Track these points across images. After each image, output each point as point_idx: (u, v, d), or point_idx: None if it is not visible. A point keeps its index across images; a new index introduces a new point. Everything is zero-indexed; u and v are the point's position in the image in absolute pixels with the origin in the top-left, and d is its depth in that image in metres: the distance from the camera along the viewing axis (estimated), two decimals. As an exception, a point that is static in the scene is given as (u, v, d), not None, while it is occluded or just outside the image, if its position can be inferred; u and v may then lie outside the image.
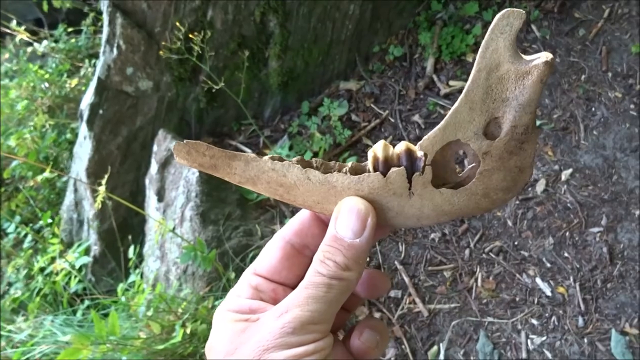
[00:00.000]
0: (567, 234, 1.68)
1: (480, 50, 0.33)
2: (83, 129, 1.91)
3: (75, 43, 2.86)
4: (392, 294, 1.67)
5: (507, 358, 1.52)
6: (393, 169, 0.35)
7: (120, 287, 1.52)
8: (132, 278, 1.50)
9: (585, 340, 1.51)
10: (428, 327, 1.60)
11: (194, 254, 1.42)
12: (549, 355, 1.51)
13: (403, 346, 1.57)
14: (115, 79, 1.80)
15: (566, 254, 1.65)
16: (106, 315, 1.37)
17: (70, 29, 2.87)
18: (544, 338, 1.54)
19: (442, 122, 0.35)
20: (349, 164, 0.38)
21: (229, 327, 0.36)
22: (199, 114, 2.01)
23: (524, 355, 1.52)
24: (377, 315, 1.62)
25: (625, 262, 1.60)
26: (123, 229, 1.87)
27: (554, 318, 1.56)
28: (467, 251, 1.71)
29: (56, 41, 2.88)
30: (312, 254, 0.40)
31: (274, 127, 2.09)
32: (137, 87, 1.84)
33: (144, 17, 1.76)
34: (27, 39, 2.92)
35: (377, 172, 0.36)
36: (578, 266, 1.62)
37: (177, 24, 1.68)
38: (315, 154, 1.87)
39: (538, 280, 1.62)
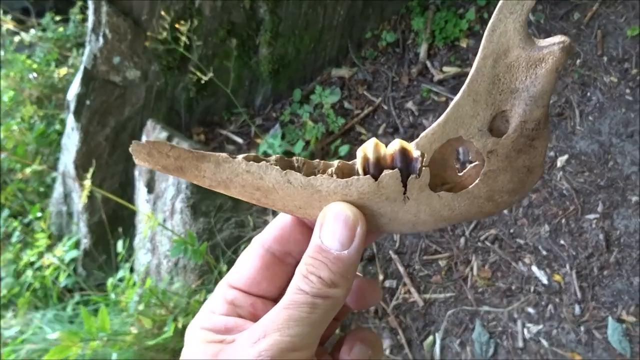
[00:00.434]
0: (563, 221, 1.66)
1: (485, 33, 0.29)
2: (70, 120, 1.87)
3: (63, 32, 2.81)
4: (387, 284, 1.65)
5: (503, 347, 1.51)
6: (386, 172, 0.31)
7: (110, 281, 1.49)
8: (120, 273, 1.47)
9: (582, 328, 1.50)
10: (423, 317, 1.58)
11: (185, 248, 1.39)
12: (545, 343, 1.50)
13: (398, 336, 1.55)
14: (101, 68, 1.76)
15: (562, 242, 1.63)
16: (97, 310, 1.34)
17: (58, 18, 2.81)
18: (541, 326, 1.52)
19: (442, 117, 0.31)
20: (336, 163, 0.34)
21: (201, 348, 0.32)
22: (189, 103, 1.97)
23: (520, 344, 1.50)
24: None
25: (622, 249, 1.58)
26: (113, 221, 1.84)
27: (550, 306, 1.55)
28: (462, 240, 1.69)
29: (44, 30, 2.83)
30: (295, 262, 0.36)
31: (265, 116, 2.05)
32: (125, 77, 1.80)
33: (130, 4, 1.71)
34: (13, 28, 2.87)
35: (368, 176, 0.32)
36: (574, 254, 1.61)
37: (163, 12, 1.64)
38: (308, 143, 1.83)
39: (534, 268, 1.61)
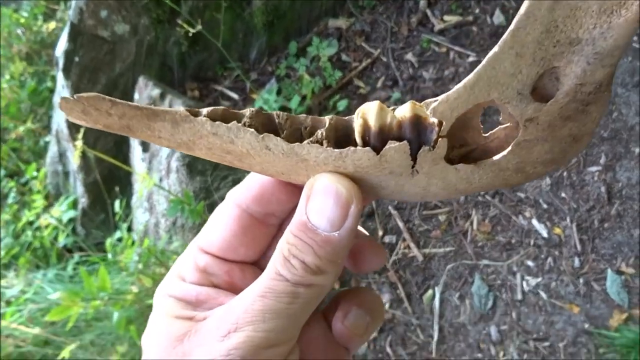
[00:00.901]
0: (565, 173, 1.64)
1: None
2: (60, 78, 1.82)
3: (50, -17, 2.70)
4: (387, 239, 1.65)
5: (502, 300, 1.52)
6: (391, 144, 0.25)
7: (109, 241, 1.49)
8: (118, 234, 1.46)
9: (581, 280, 1.51)
10: (423, 272, 1.59)
11: (182, 207, 1.38)
12: (544, 296, 1.50)
13: (398, 291, 1.56)
14: (89, 22, 1.69)
15: (563, 195, 1.61)
16: (97, 270, 1.34)
17: (42, -31, 2.70)
18: (540, 279, 1.53)
19: (471, 77, 0.24)
20: (327, 120, 0.27)
21: (167, 326, 0.28)
22: (181, 58, 1.91)
23: (519, 296, 1.51)
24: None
25: (624, 201, 1.57)
26: (109, 181, 1.82)
27: (549, 259, 1.55)
28: (462, 194, 1.68)
29: (29, -18, 2.73)
30: (279, 222, 0.31)
31: (260, 70, 2.00)
32: (113, 31, 1.74)
33: (116, -47, 1.63)
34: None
35: (368, 148, 0.25)
36: (575, 206, 1.59)
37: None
38: (304, 98, 1.79)
39: (534, 221, 1.60)
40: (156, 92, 1.66)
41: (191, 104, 1.64)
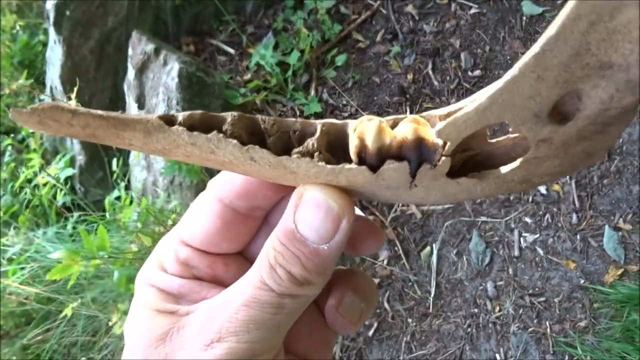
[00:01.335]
0: (566, 129, 1.62)
1: None
2: (52, 33, 1.77)
3: None
4: (385, 196, 1.65)
5: (499, 256, 1.53)
6: (389, 164, 0.23)
7: (108, 200, 1.49)
8: (116, 193, 1.46)
9: (578, 236, 1.51)
10: (421, 229, 1.59)
11: (179, 166, 1.37)
12: (541, 251, 1.52)
13: (396, 248, 1.57)
14: (78, -26, 1.63)
15: (563, 151, 1.60)
16: (97, 229, 1.35)
17: None
18: (537, 235, 1.54)
19: (483, 100, 0.21)
20: (318, 127, 0.25)
21: (149, 320, 0.27)
22: (175, 11, 1.85)
23: (516, 253, 1.53)
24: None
25: (624, 157, 1.56)
26: (106, 138, 1.80)
27: (547, 216, 1.55)
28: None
29: None
30: (265, 213, 0.30)
31: (257, 23, 1.94)
32: (104, -16, 1.68)
33: None
34: None
35: (364, 167, 0.24)
36: (575, 163, 1.58)
37: None
38: (302, 53, 1.75)
39: (533, 178, 1.59)
40: (150, 47, 1.62)
41: (186, 59, 1.60)
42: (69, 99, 1.40)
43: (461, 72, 1.75)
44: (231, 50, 1.87)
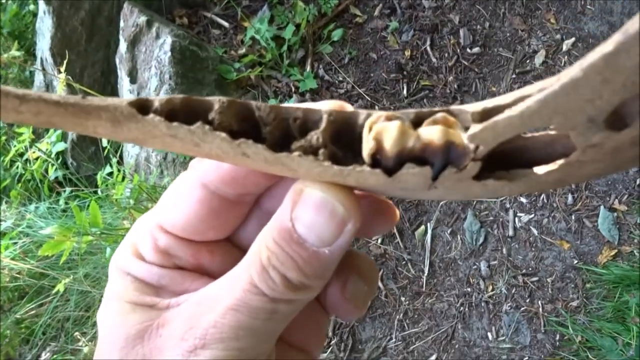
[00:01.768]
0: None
1: None
2: (41, 3, 1.73)
3: None
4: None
5: (493, 235, 1.53)
6: (409, 169, 0.20)
7: (99, 175, 1.47)
8: (108, 169, 1.44)
9: (573, 217, 1.51)
10: (416, 208, 1.58)
11: (171, 142, 1.35)
12: (535, 232, 1.51)
13: (390, 226, 1.57)
14: (68, -57, 1.58)
15: (561, 131, 1.59)
16: (89, 204, 1.33)
17: None
18: (532, 216, 1.53)
19: (532, 104, 0.18)
20: (324, 118, 0.21)
21: (126, 314, 0.24)
22: (169, -18, 1.81)
23: (510, 232, 1.52)
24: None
25: (621, 137, 1.55)
26: (98, 113, 1.78)
27: (543, 196, 1.54)
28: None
29: None
30: (255, 198, 0.27)
31: (252, -4, 1.90)
32: (95, -47, 1.63)
33: None
34: None
35: (378, 170, 0.20)
36: (572, 143, 1.57)
37: None
38: (298, 27, 1.71)
39: (530, 158, 1.58)
40: (142, 19, 1.58)
41: (180, 32, 1.56)
42: (59, 72, 1.37)
43: (460, 49, 1.72)
44: (225, 24, 1.83)
